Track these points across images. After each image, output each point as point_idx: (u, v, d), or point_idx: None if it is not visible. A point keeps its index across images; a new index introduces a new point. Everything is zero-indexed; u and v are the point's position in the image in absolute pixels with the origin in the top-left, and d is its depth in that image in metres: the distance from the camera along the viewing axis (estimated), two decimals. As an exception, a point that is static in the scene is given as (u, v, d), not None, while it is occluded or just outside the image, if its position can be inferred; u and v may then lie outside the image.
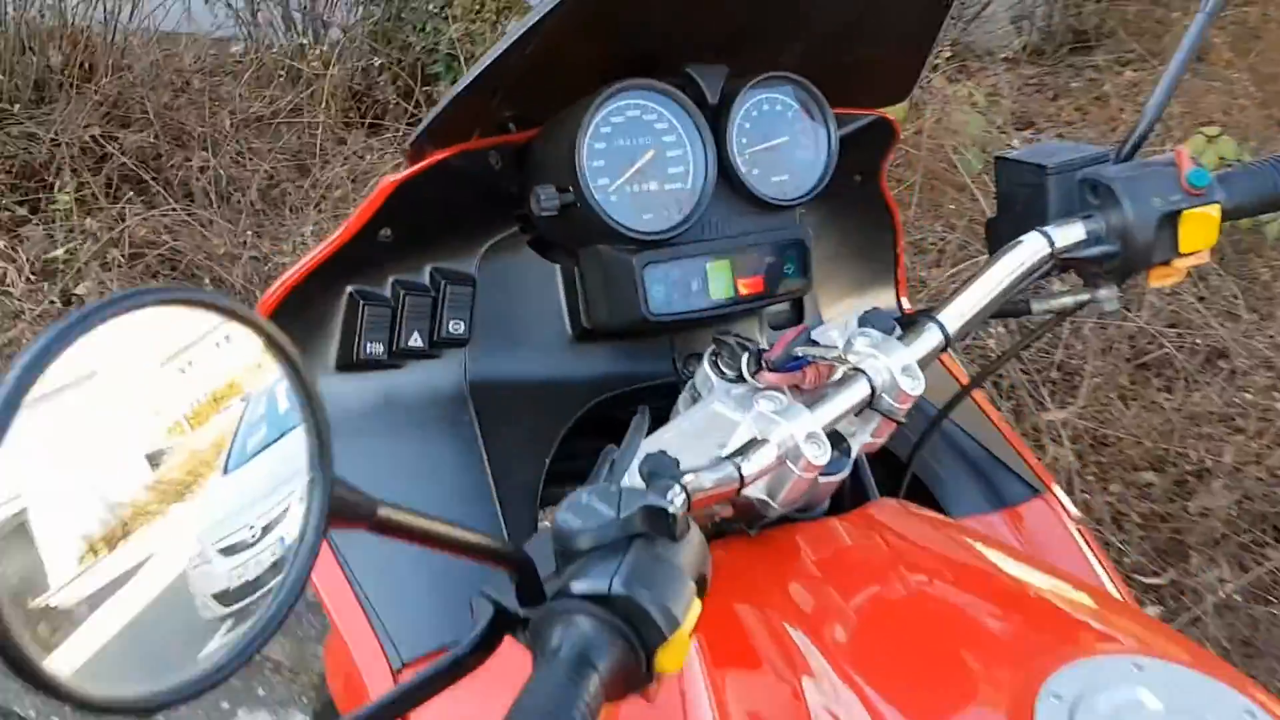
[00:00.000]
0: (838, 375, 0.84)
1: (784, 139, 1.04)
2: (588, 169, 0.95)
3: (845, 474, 0.86)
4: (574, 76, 0.97)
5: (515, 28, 0.90)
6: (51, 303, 3.26)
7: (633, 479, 0.71)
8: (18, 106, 3.90)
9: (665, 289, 0.98)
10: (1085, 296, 0.97)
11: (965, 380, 1.14)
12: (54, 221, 3.53)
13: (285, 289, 0.94)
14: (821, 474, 0.80)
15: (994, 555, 0.86)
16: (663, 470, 0.69)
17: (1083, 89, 4.11)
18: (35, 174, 3.77)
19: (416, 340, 1.01)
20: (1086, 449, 2.39)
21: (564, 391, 1.06)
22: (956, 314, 0.88)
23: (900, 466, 1.05)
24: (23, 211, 3.69)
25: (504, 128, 1.02)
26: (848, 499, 0.96)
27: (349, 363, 1.00)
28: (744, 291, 1.02)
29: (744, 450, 0.76)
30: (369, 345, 0.99)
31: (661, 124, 1.00)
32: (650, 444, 0.80)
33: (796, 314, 1.21)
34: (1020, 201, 0.99)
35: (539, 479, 0.99)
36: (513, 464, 0.99)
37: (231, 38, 4.67)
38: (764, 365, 0.85)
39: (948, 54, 3.77)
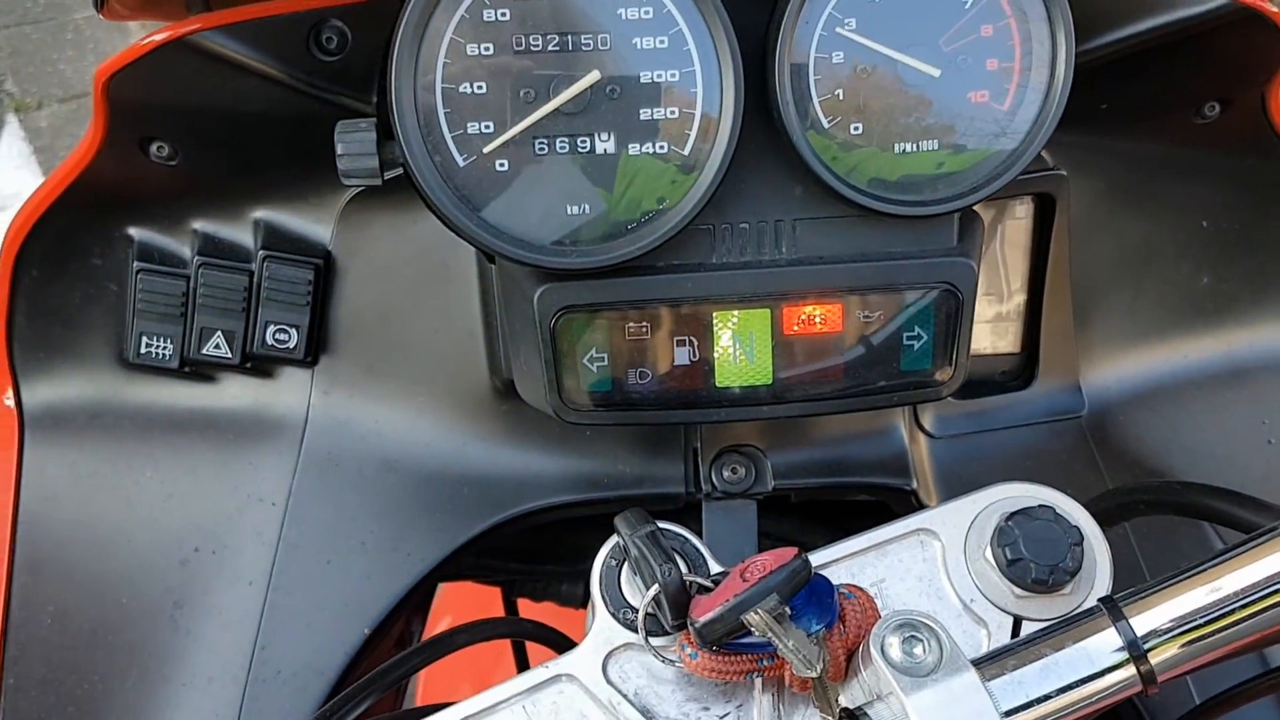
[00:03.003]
0: None
1: (933, 71, 0.52)
2: (434, 109, 0.50)
3: None
4: None
5: None
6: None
7: None
8: None
9: (616, 358, 0.53)
10: None
11: None
12: None
13: (27, 221, 0.61)
14: None
15: None
16: None
17: None
18: None
19: (219, 348, 0.64)
20: None
21: (471, 484, 0.67)
22: (1176, 609, 0.42)
23: None
24: None
25: None
26: None
27: (126, 360, 0.66)
28: (791, 377, 0.56)
29: None
30: (145, 342, 0.64)
31: (634, 9, 0.51)
32: None
33: (1025, 364, 0.74)
34: None
35: (381, 615, 0.65)
36: (358, 587, 0.65)
37: None
38: (689, 624, 0.46)
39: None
